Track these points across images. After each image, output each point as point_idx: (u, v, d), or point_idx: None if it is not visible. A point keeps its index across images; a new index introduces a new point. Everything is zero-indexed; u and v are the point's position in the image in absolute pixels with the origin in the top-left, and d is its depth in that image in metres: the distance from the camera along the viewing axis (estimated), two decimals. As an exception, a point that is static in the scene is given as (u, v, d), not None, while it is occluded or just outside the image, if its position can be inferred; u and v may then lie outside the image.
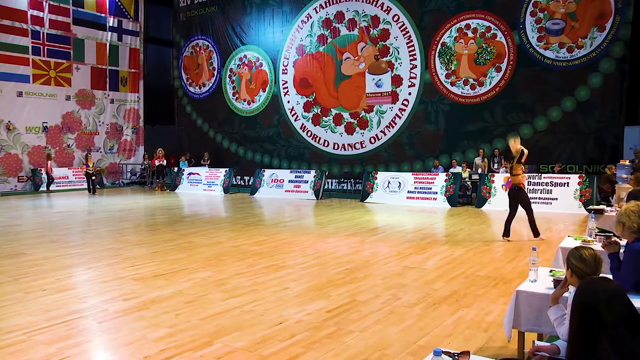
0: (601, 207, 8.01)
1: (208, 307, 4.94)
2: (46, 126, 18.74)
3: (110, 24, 20.47)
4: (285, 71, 18.27)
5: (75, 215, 12.41)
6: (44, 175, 18.01)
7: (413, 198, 13.90)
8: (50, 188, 17.94)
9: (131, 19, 21.21)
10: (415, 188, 14.04)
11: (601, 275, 2.63)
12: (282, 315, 4.67)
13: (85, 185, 18.00)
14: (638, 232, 3.40)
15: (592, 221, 5.32)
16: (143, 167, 20.78)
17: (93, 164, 17.83)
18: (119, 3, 20.79)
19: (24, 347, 3.97)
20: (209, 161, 19.18)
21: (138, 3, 21.42)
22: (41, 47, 18.42)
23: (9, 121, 17.67)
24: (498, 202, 12.64)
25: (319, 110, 17.49)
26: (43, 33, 18.44)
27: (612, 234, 4.61)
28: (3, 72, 17.40)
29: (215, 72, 20.27)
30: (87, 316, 4.71)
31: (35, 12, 18.18)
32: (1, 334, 4.26)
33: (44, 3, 18.40)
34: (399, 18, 15.80)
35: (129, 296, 5.30)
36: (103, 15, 20.21)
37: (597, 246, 4.42)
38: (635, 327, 1.90)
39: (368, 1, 16.33)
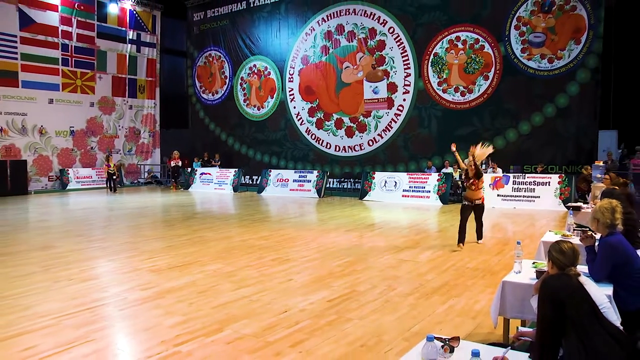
0: (578, 204, 8.00)
1: (219, 296, 4.95)
2: (73, 130, 18.85)
3: (130, 37, 20.56)
4: (292, 79, 18.26)
5: (98, 211, 12.44)
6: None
7: (408, 196, 13.88)
8: (74, 187, 18.10)
9: (149, 32, 21.26)
10: (410, 187, 14.02)
11: (560, 272, 2.65)
12: (286, 304, 4.68)
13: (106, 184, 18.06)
14: (610, 227, 3.42)
15: (571, 217, 5.33)
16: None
17: (114, 164, 17.90)
18: (138, 17, 20.83)
19: (54, 330, 4.01)
20: (219, 162, 19.18)
21: (155, 18, 21.53)
22: (69, 58, 18.55)
23: (42, 126, 17.84)
24: (487, 201, 12.57)
25: (322, 115, 17.49)
26: (71, 46, 18.57)
27: (588, 229, 4.61)
28: (38, 81, 17.66)
29: (227, 80, 20.28)
30: (109, 304, 4.73)
31: (65, 27, 18.36)
32: (34, 318, 4.30)
33: (73, 19, 18.55)
34: (394, 30, 15.77)
35: (146, 286, 5.32)
36: (124, 29, 20.28)
37: (575, 240, 4.42)
38: (595, 319, 1.94)
39: (366, 15, 16.30)
